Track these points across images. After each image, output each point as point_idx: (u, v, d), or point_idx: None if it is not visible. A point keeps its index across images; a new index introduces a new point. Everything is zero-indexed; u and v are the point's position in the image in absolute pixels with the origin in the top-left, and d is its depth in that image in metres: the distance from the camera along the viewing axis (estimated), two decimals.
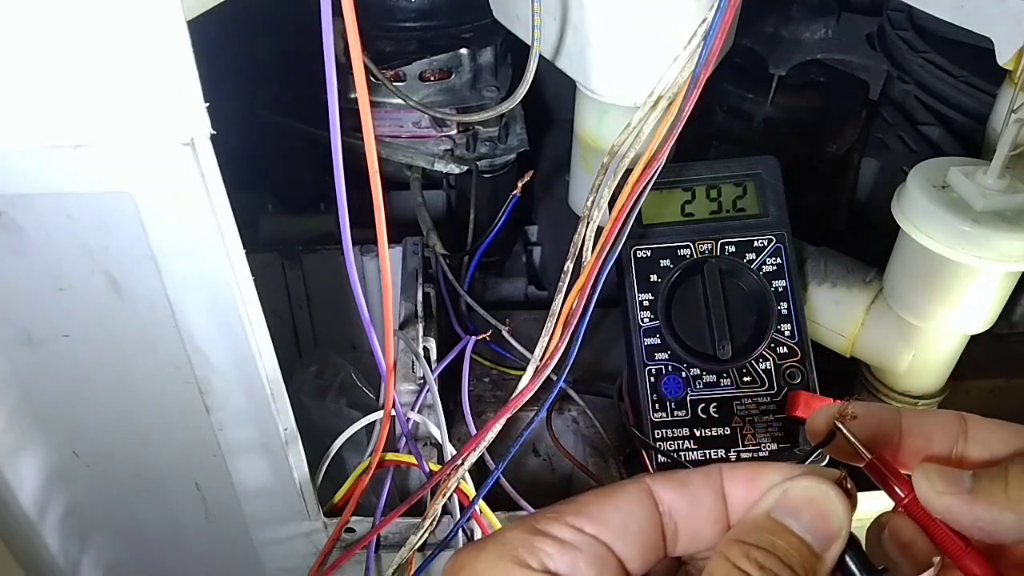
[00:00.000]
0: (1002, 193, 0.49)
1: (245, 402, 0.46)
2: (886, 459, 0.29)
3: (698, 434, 0.56)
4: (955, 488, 0.27)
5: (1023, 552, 0.29)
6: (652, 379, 0.56)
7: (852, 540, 0.26)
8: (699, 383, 0.56)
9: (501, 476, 0.51)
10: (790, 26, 0.74)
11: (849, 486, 0.27)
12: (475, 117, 0.66)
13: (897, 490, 0.28)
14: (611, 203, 0.51)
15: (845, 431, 0.29)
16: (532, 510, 0.53)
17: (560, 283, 0.51)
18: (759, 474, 0.27)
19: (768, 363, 0.56)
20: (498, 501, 0.53)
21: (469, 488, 0.52)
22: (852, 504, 0.26)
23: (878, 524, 0.30)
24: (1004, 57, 0.51)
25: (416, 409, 0.56)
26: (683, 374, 0.56)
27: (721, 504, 0.27)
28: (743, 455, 0.55)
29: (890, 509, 0.29)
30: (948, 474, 0.27)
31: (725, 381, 0.56)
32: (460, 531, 0.53)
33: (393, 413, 0.52)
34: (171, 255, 0.39)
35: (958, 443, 0.29)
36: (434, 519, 0.52)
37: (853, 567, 0.26)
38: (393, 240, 0.66)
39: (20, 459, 0.48)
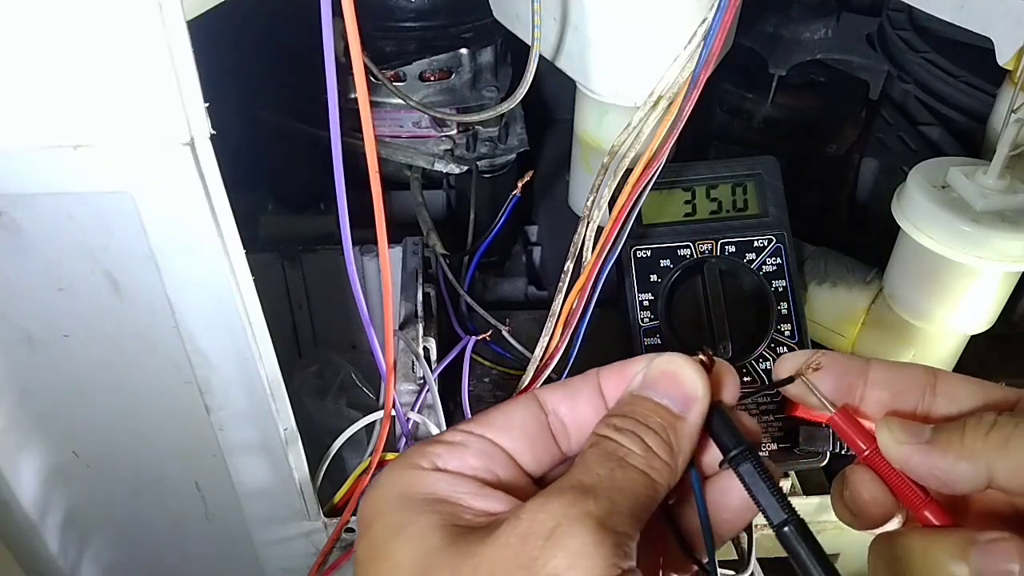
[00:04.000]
0: (1002, 193, 0.49)
1: (245, 402, 0.46)
2: (848, 413, 0.30)
3: None
4: (914, 439, 0.28)
5: (983, 503, 0.29)
6: None
7: (719, 410, 0.29)
8: None
9: None
10: (790, 26, 0.74)
11: (706, 360, 0.29)
12: (475, 117, 0.66)
13: (859, 443, 0.29)
14: (611, 203, 0.51)
15: (809, 383, 0.30)
16: None
17: (560, 283, 0.51)
18: (626, 366, 0.30)
19: (768, 363, 0.56)
20: None
21: None
22: (720, 374, 0.29)
23: (841, 479, 0.31)
24: (1004, 57, 0.51)
25: (416, 409, 0.56)
26: None
27: (599, 399, 0.30)
28: None
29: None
30: (909, 426, 0.29)
31: None
32: None
33: (393, 413, 0.52)
34: (171, 255, 0.39)
35: (925, 397, 0.30)
36: None
37: (721, 434, 0.29)
38: (393, 240, 0.66)
39: (20, 459, 0.48)
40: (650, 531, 0.29)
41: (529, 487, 0.29)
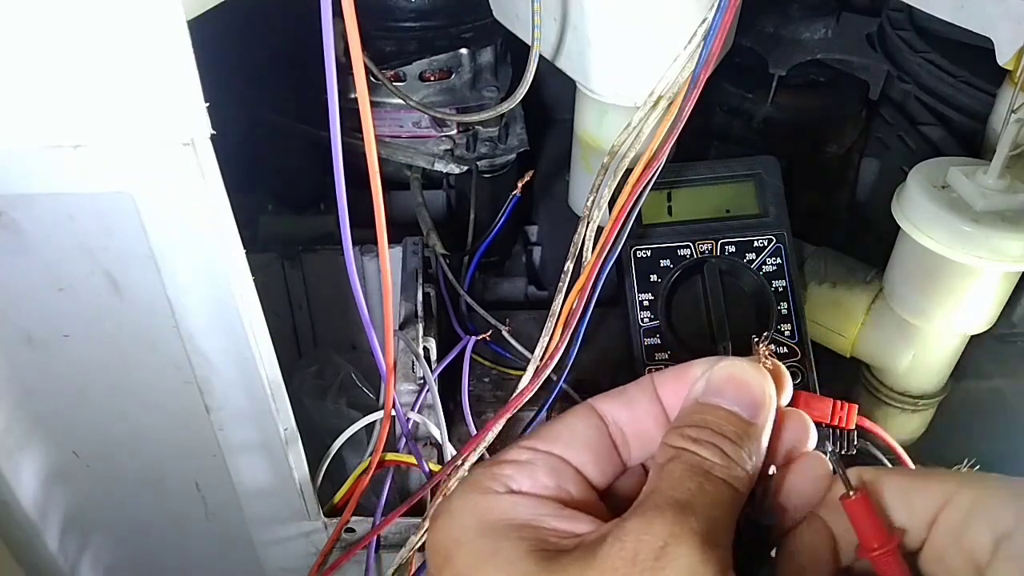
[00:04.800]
0: (1002, 193, 0.49)
1: (245, 402, 0.46)
2: (868, 501, 0.28)
3: None
4: None
5: None
6: None
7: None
8: None
9: None
10: (790, 26, 0.74)
11: (770, 365, 0.29)
12: (475, 117, 0.66)
13: (875, 535, 0.28)
14: (611, 203, 0.51)
15: (837, 464, 0.29)
16: None
17: (560, 283, 0.51)
18: (684, 371, 0.30)
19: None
20: None
21: None
22: (776, 376, 0.29)
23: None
24: (1004, 57, 0.51)
25: (416, 409, 0.56)
26: None
27: (657, 406, 0.30)
28: None
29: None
30: None
31: None
32: None
33: (393, 413, 0.52)
34: (171, 255, 0.39)
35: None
36: None
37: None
38: (393, 240, 0.66)
39: (20, 459, 0.48)
40: None
41: (597, 502, 0.29)
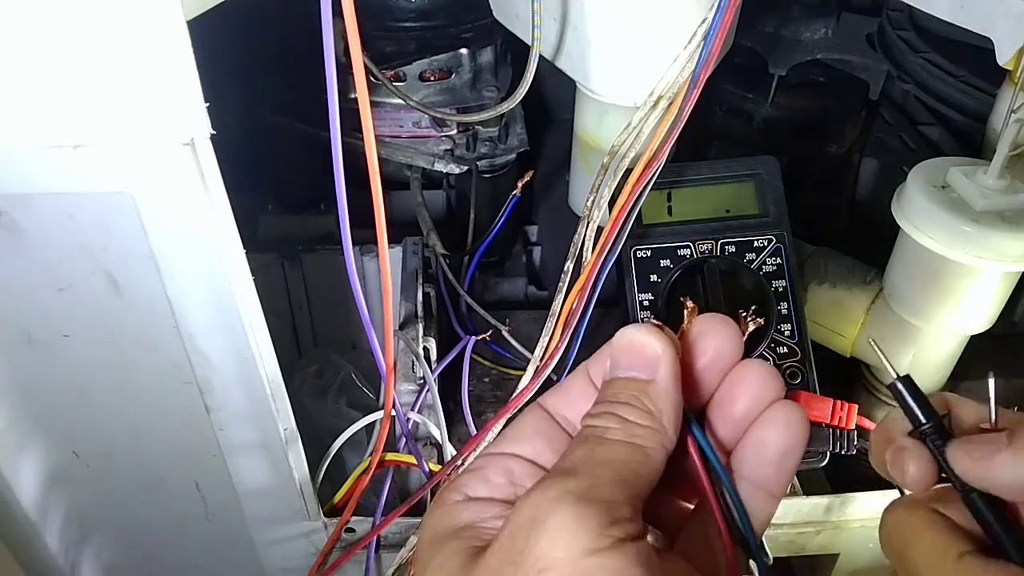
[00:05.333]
0: (1002, 193, 0.49)
1: (245, 402, 0.46)
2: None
3: None
4: (992, 449, 0.28)
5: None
6: None
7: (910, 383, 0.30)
8: None
9: None
10: (790, 26, 0.74)
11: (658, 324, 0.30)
12: (475, 117, 0.66)
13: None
14: (611, 203, 0.51)
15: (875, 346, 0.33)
16: None
17: (560, 283, 0.51)
18: (605, 351, 0.30)
19: (768, 363, 0.56)
20: None
21: None
22: (667, 335, 0.29)
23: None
24: (1004, 57, 0.51)
25: (416, 409, 0.56)
26: None
27: (591, 388, 0.31)
28: None
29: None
30: (984, 439, 0.29)
31: None
32: None
33: (393, 413, 0.52)
34: (171, 255, 0.39)
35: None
36: None
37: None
38: (393, 240, 0.66)
39: (20, 459, 0.48)
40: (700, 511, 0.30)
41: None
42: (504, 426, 0.32)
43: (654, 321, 0.30)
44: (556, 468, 0.27)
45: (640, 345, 0.29)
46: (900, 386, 0.31)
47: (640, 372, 0.29)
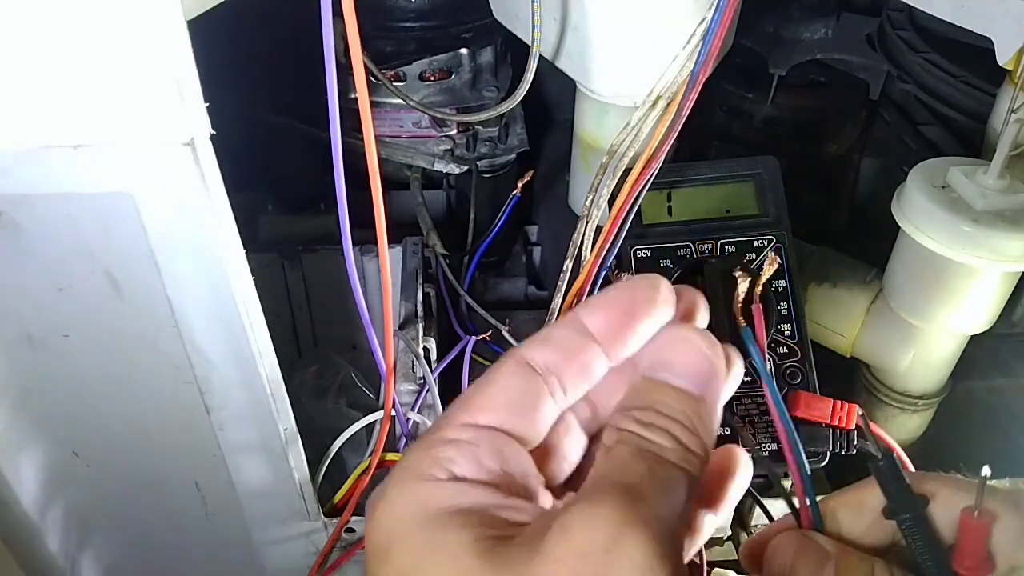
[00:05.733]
0: (1002, 193, 0.49)
1: (245, 402, 0.46)
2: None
3: None
4: None
5: None
6: None
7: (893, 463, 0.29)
8: None
9: None
10: (790, 26, 0.74)
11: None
12: (475, 117, 0.66)
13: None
14: (611, 202, 0.51)
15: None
16: None
17: (560, 282, 0.51)
18: (610, 299, 0.27)
19: (768, 363, 0.56)
20: None
21: None
22: (725, 351, 0.27)
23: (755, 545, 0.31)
24: (1004, 57, 0.51)
25: (416, 409, 0.56)
26: None
27: (588, 342, 0.27)
28: None
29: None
30: None
31: None
32: None
33: (393, 413, 0.52)
34: (171, 255, 0.39)
35: None
36: None
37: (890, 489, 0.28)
38: (393, 240, 0.66)
39: (20, 459, 0.48)
40: None
41: (537, 474, 0.27)
42: (472, 389, 0.27)
43: (707, 332, 0.27)
44: (616, 479, 0.24)
45: (697, 351, 0.26)
46: (884, 467, 0.29)
47: (692, 385, 0.26)
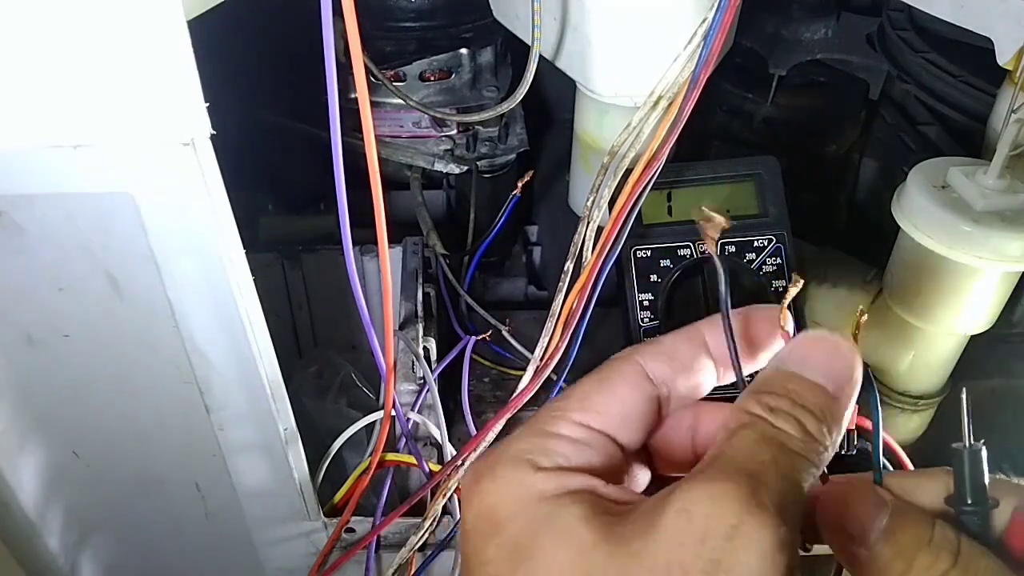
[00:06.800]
0: (1002, 193, 0.49)
1: (245, 402, 0.46)
2: None
3: None
4: None
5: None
6: None
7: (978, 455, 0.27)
8: None
9: None
10: (790, 26, 0.74)
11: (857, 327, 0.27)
12: (475, 117, 0.66)
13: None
14: (611, 203, 0.51)
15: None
16: None
17: (560, 283, 0.51)
18: (745, 317, 0.28)
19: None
20: None
21: None
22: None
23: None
24: (1004, 57, 0.51)
25: (416, 409, 0.56)
26: None
27: (704, 359, 0.28)
28: None
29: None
30: None
31: None
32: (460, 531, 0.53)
33: (393, 413, 0.52)
34: (171, 255, 0.39)
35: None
36: (434, 519, 0.52)
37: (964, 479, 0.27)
38: (393, 240, 0.66)
39: (20, 459, 0.48)
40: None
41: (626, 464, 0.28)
42: (586, 383, 0.28)
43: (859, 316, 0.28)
44: (739, 464, 0.23)
45: (839, 354, 0.26)
46: (965, 457, 0.28)
47: (828, 382, 0.26)
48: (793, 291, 0.29)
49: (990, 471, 0.28)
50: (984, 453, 0.28)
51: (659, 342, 0.29)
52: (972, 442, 0.28)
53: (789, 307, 0.29)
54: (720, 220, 0.29)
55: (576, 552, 0.23)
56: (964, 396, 0.29)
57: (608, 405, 0.27)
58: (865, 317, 0.29)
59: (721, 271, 0.28)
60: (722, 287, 0.28)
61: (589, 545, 0.23)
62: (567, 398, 0.28)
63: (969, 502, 0.27)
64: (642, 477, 0.30)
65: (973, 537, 0.27)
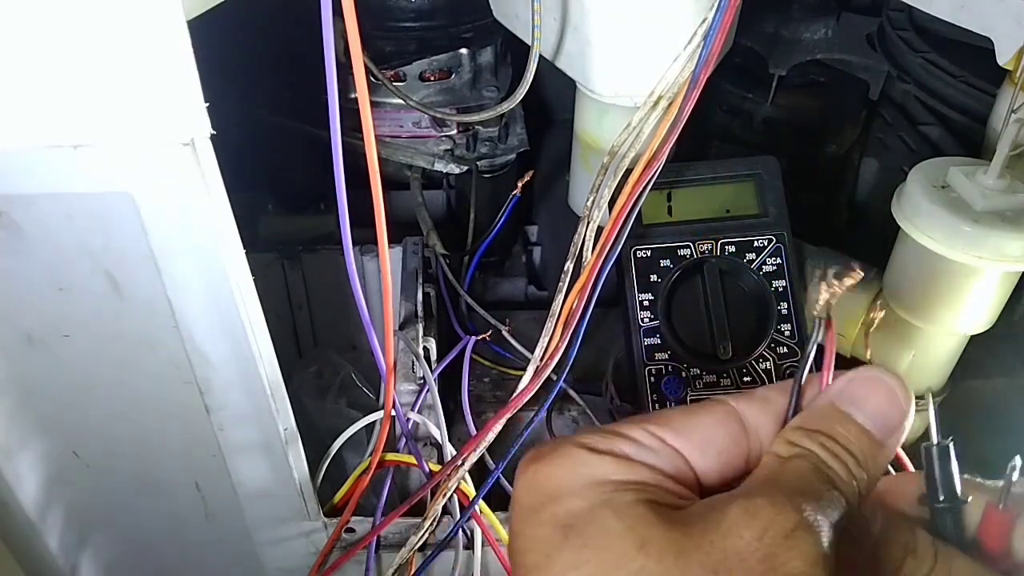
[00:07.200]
0: (1002, 193, 0.49)
1: (245, 402, 0.46)
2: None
3: None
4: None
5: None
6: (652, 379, 0.56)
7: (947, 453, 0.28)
8: (699, 383, 0.56)
9: (501, 476, 0.51)
10: (790, 26, 0.74)
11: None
12: (475, 117, 0.66)
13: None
14: (611, 203, 0.51)
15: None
16: None
17: (560, 283, 0.51)
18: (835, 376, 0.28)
19: (768, 363, 0.56)
20: (498, 501, 0.53)
21: (469, 488, 0.52)
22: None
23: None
24: (1004, 57, 0.51)
25: (416, 409, 0.56)
26: (683, 374, 0.56)
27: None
28: None
29: None
30: None
31: (725, 381, 0.56)
32: (460, 531, 0.53)
33: (393, 413, 0.52)
34: (171, 255, 0.39)
35: None
36: (434, 519, 0.52)
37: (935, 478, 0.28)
38: (393, 240, 0.66)
39: (20, 459, 0.48)
40: None
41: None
42: (675, 410, 0.29)
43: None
44: (800, 489, 0.25)
45: (893, 401, 0.27)
46: (934, 454, 0.28)
47: (876, 429, 0.27)
48: (849, 282, 0.30)
49: (989, 472, 0.29)
50: (952, 450, 0.28)
51: (761, 393, 0.29)
52: (940, 440, 0.28)
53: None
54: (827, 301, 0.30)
55: (632, 522, 0.24)
56: (931, 397, 0.30)
57: (689, 429, 0.28)
58: (878, 319, 0.29)
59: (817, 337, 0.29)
60: (811, 347, 0.29)
61: (645, 521, 0.24)
62: (649, 414, 0.28)
63: (941, 499, 0.28)
64: None
65: (948, 534, 0.28)
